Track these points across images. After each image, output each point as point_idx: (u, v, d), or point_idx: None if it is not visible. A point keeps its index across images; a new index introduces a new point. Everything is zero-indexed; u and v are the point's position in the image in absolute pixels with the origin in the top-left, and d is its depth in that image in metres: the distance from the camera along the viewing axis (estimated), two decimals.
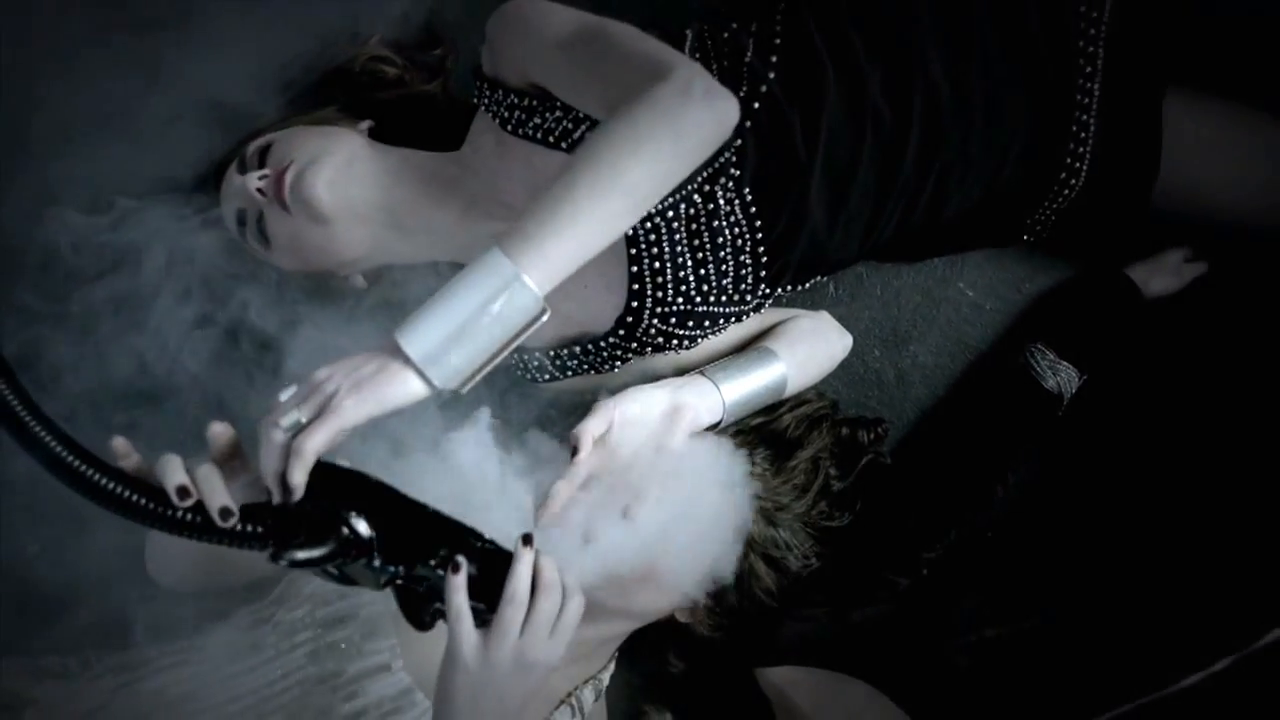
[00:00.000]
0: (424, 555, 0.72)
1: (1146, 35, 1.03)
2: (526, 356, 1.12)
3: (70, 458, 0.64)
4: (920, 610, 1.15)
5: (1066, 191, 1.08)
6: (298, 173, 0.99)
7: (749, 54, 1.00)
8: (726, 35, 1.02)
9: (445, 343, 0.75)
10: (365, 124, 1.12)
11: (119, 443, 0.70)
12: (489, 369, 0.78)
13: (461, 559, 0.71)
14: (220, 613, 1.01)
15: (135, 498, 0.66)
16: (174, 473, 0.68)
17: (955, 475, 1.26)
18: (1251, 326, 1.22)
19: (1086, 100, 1.03)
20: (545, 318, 0.78)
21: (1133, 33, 1.03)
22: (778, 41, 1.00)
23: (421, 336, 0.74)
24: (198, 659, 1.01)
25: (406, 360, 0.74)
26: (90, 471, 0.65)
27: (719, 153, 0.96)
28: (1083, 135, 1.05)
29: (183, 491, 0.67)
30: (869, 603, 1.19)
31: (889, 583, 1.20)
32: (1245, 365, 1.22)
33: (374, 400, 0.74)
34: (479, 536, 0.75)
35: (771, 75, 0.98)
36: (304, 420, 0.71)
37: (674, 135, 0.81)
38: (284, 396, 0.74)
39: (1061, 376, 1.22)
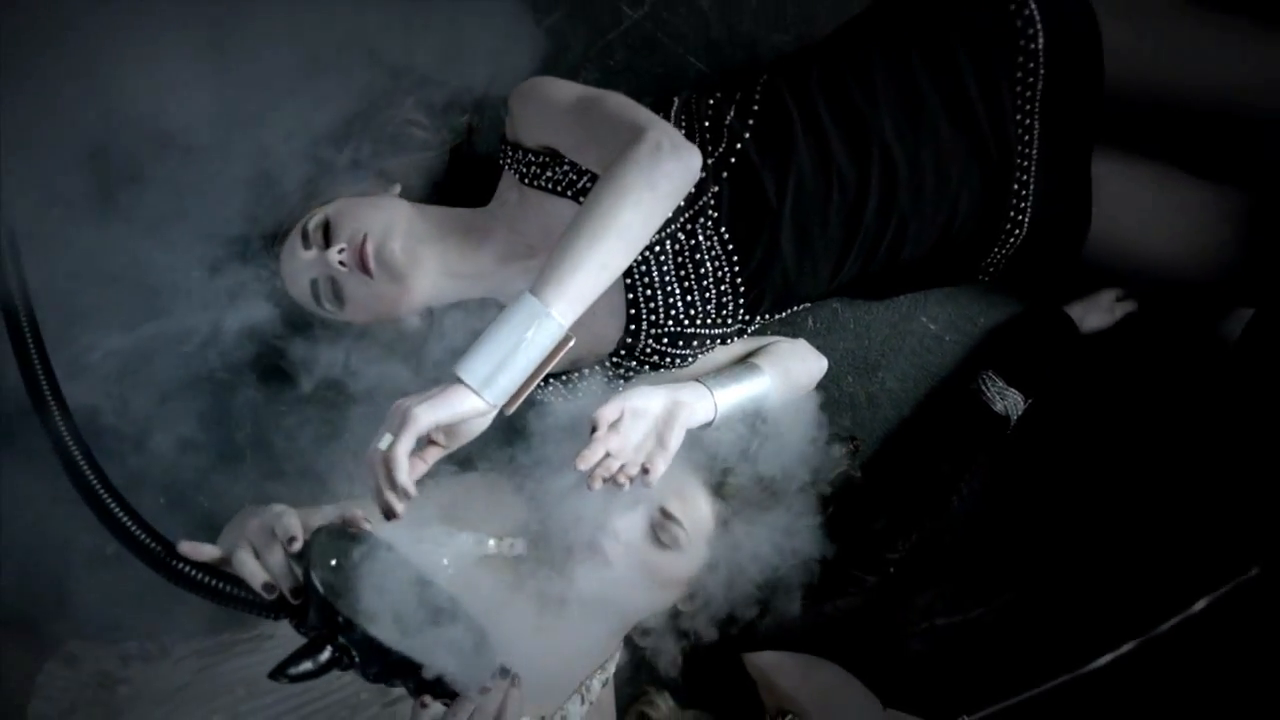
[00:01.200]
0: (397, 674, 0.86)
1: (1075, 107, 1.18)
2: (546, 384, 1.28)
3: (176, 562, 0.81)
4: (883, 602, 1.30)
5: (1012, 240, 1.23)
6: (378, 244, 1.13)
7: (729, 116, 1.16)
8: (711, 102, 1.18)
9: (494, 369, 0.93)
10: (396, 188, 1.26)
11: (187, 546, 0.85)
12: (531, 387, 0.96)
13: (428, 698, 0.85)
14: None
15: (221, 585, 0.83)
16: (257, 572, 0.83)
17: (916, 486, 1.38)
18: (1175, 361, 1.38)
19: (1025, 163, 1.18)
20: (572, 343, 0.96)
21: (1062, 105, 1.17)
22: (755, 108, 1.16)
23: (475, 367, 0.92)
24: (270, 645, 1.15)
25: (462, 390, 0.92)
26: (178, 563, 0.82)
27: (699, 197, 1.13)
28: (1023, 193, 1.19)
29: (269, 588, 0.83)
30: (840, 596, 1.33)
31: (858, 579, 1.33)
32: (1167, 398, 1.37)
33: (443, 408, 0.90)
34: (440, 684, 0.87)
35: (747, 135, 1.15)
36: (392, 437, 0.88)
37: (649, 185, 0.99)
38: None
39: (1009, 401, 1.37)
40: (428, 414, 0.90)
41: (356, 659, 0.82)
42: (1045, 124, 1.17)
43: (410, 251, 1.15)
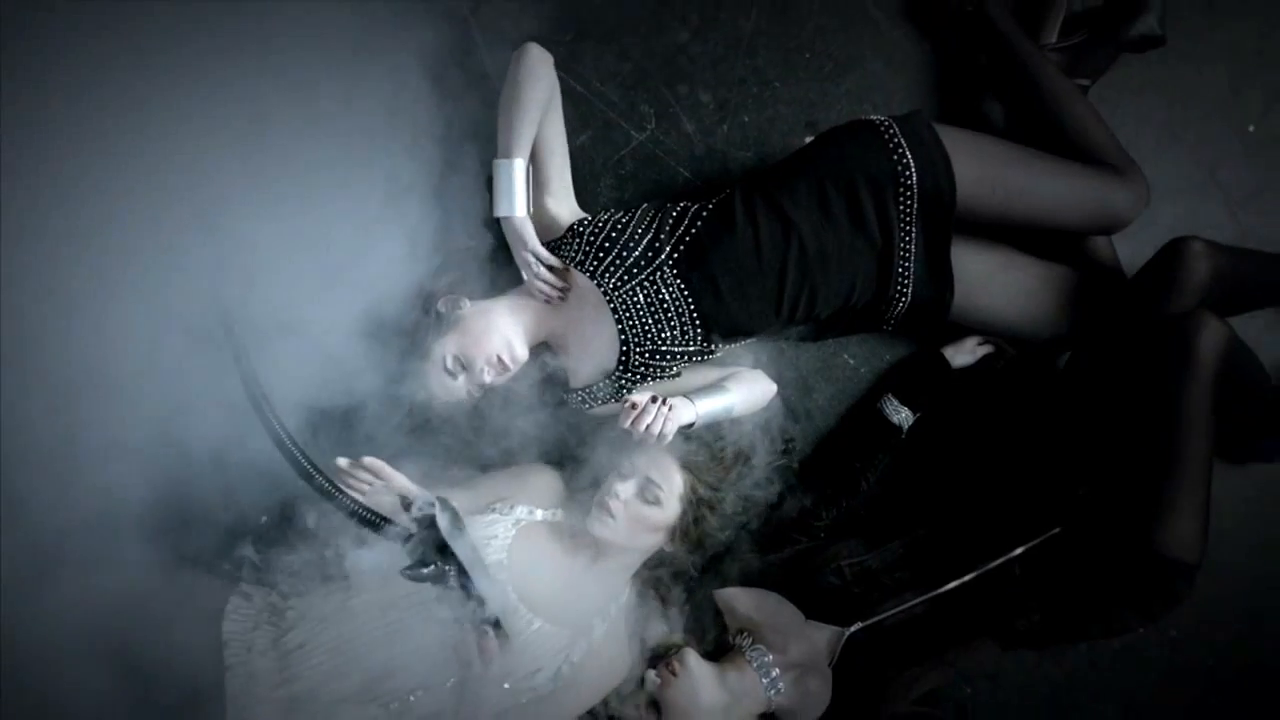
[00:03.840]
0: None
1: (939, 220, 1.64)
2: (576, 395, 1.75)
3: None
4: (809, 553, 1.75)
5: (900, 306, 1.70)
6: (510, 355, 1.65)
7: (692, 209, 1.66)
8: (681, 206, 1.67)
9: (509, 199, 1.63)
10: (466, 303, 1.69)
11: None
12: (530, 191, 1.64)
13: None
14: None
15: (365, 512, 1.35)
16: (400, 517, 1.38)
17: (836, 474, 1.83)
18: (1015, 386, 1.86)
19: (906, 255, 1.66)
20: (526, 165, 1.64)
21: (931, 218, 1.63)
22: (711, 205, 1.65)
23: (501, 207, 1.64)
24: (395, 579, 1.58)
25: (506, 219, 1.61)
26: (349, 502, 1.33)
27: (655, 258, 1.63)
28: (905, 275, 1.67)
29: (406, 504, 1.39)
30: (780, 550, 1.79)
31: (794, 539, 1.79)
32: (1007, 409, 1.85)
33: (525, 237, 1.65)
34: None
35: (700, 223, 1.64)
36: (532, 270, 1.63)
37: (513, 76, 1.63)
38: None
39: (902, 415, 1.82)
40: (528, 247, 1.66)
41: (449, 576, 1.37)
42: (919, 230, 1.65)
43: (524, 342, 1.67)
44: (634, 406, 1.55)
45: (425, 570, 1.39)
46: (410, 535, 1.40)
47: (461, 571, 1.40)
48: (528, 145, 1.65)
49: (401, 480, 1.52)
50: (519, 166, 1.63)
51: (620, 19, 1.91)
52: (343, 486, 1.41)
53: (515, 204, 1.64)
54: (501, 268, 1.79)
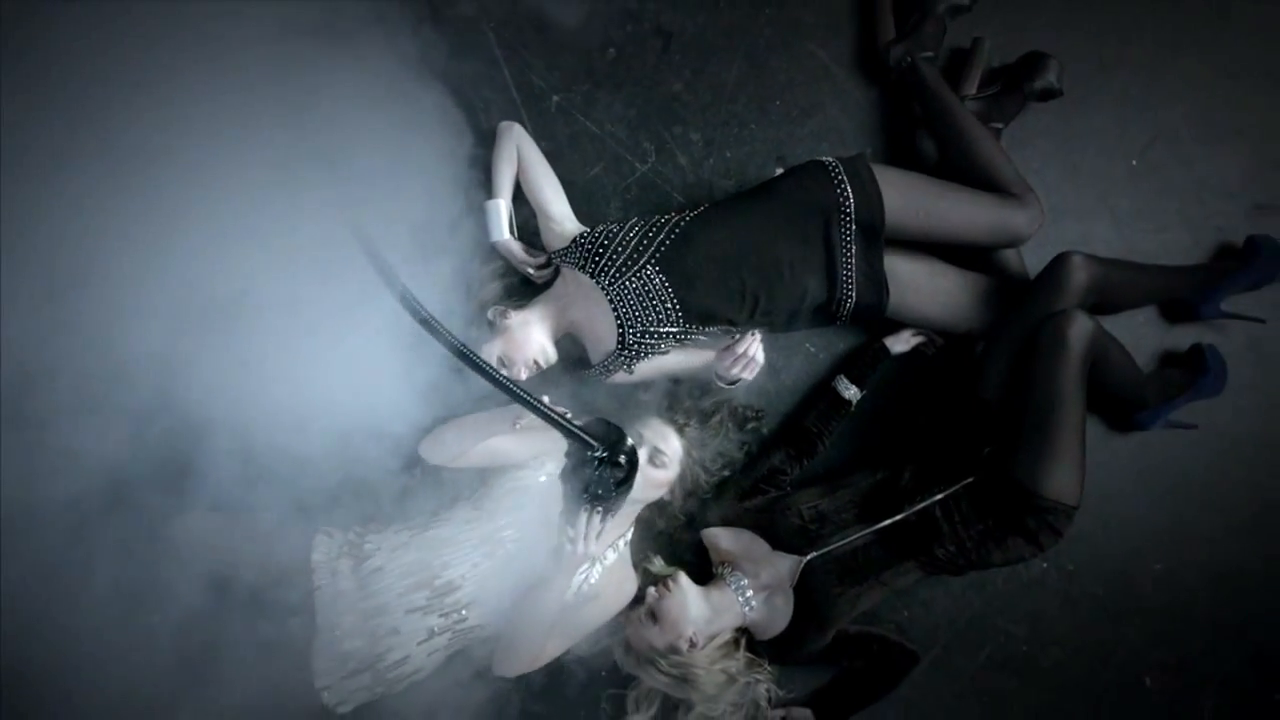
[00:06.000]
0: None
1: (872, 237, 2.04)
2: (594, 370, 2.14)
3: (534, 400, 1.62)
4: (777, 500, 2.15)
5: (846, 307, 2.10)
6: (545, 359, 2.06)
7: (673, 220, 2.06)
8: (665, 217, 2.08)
9: (496, 227, 2.18)
10: (511, 315, 2.10)
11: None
12: (512, 223, 2.16)
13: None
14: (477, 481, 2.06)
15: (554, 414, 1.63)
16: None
17: (798, 438, 2.22)
18: (938, 371, 2.25)
19: (848, 264, 2.06)
20: (505, 205, 2.17)
21: (866, 236, 2.03)
22: (689, 217, 2.05)
23: (492, 233, 2.17)
24: (452, 519, 2.03)
25: (495, 242, 2.13)
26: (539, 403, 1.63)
27: (643, 254, 2.01)
28: (848, 282, 2.07)
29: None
30: (754, 499, 2.19)
31: (765, 491, 2.19)
32: (934, 385, 2.24)
33: (515, 254, 2.19)
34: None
35: (679, 229, 2.03)
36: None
37: (495, 145, 2.13)
38: None
39: (851, 391, 2.22)
40: (517, 259, 2.14)
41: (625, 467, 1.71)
42: (857, 247, 2.06)
43: (553, 346, 2.09)
44: (741, 338, 1.99)
45: (622, 461, 1.70)
46: (609, 443, 1.71)
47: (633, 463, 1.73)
48: (505, 188, 2.19)
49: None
50: (501, 205, 2.19)
51: (627, 72, 2.32)
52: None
53: (502, 230, 2.18)
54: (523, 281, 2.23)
